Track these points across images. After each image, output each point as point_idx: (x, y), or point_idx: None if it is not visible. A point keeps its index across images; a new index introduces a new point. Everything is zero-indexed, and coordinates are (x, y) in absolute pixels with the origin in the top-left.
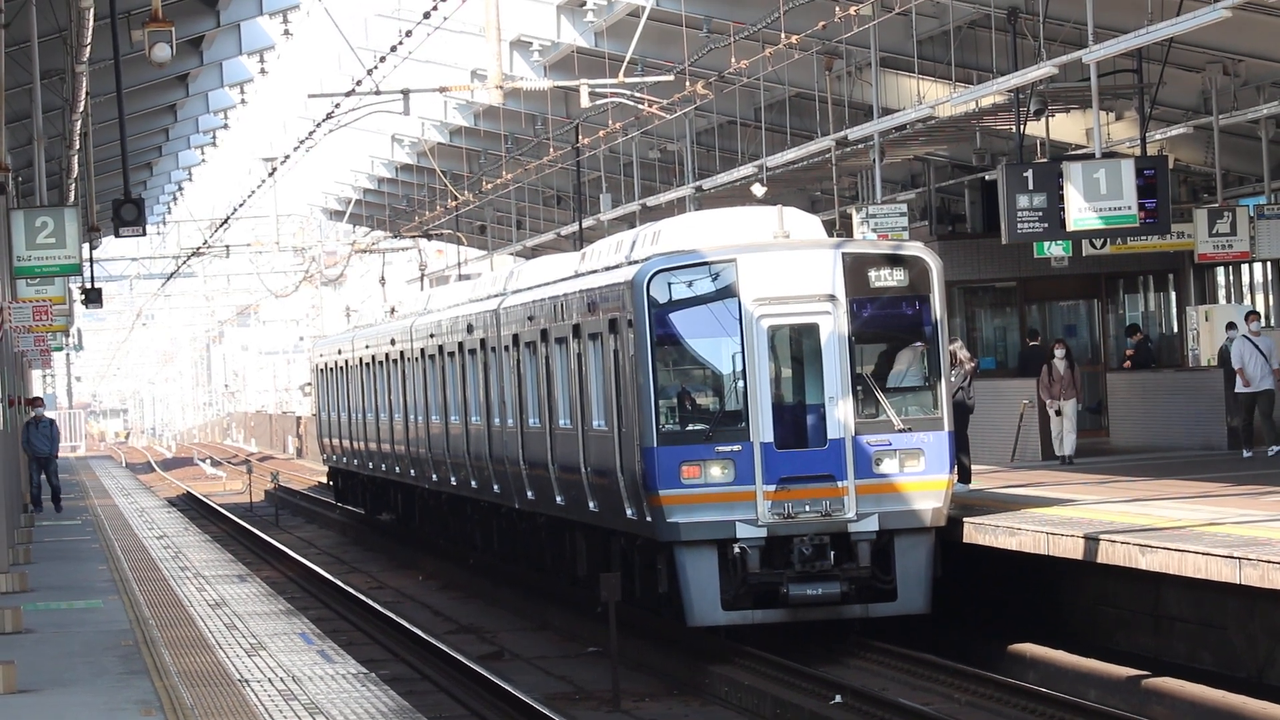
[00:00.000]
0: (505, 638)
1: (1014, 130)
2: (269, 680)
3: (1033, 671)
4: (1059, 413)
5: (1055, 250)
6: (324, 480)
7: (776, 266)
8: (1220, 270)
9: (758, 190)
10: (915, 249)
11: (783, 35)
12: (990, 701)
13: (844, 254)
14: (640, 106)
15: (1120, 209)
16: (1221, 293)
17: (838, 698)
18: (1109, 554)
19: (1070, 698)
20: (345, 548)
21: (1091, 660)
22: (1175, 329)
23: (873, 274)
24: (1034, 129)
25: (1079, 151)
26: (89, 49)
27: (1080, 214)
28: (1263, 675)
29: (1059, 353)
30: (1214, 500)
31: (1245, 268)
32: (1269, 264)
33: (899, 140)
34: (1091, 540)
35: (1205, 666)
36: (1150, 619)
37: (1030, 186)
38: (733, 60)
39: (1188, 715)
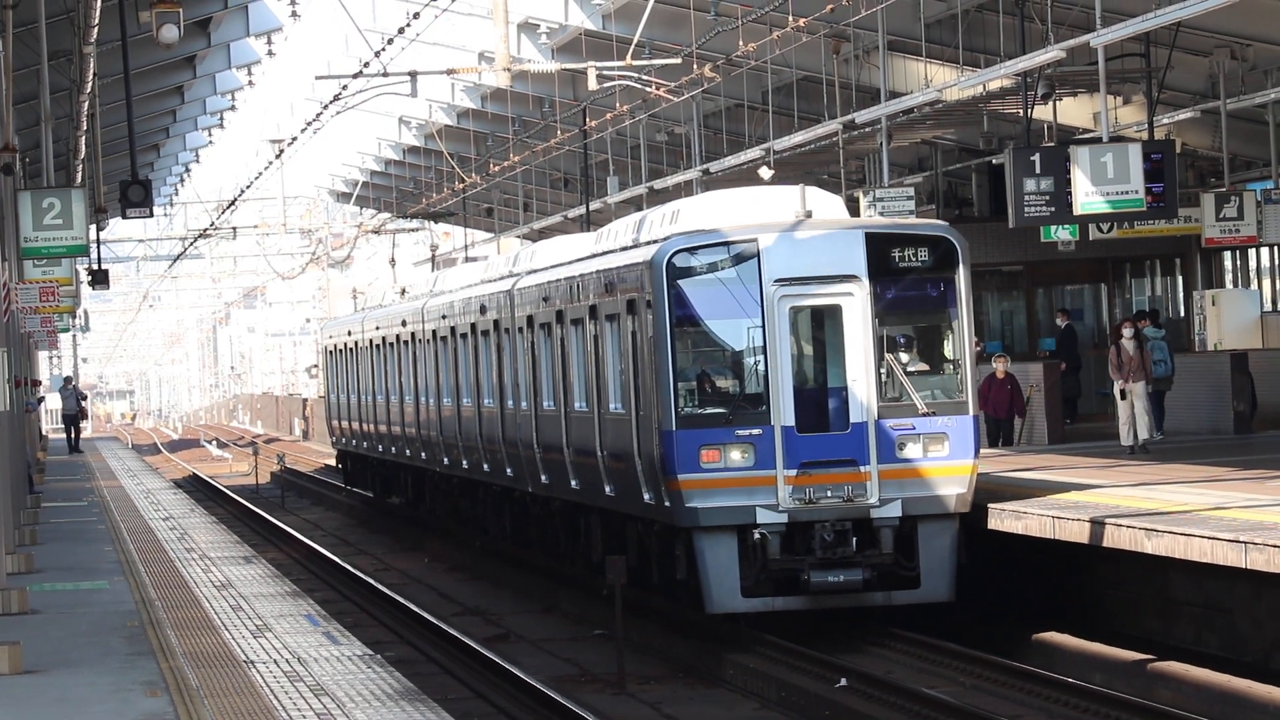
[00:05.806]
0: (511, 620)
1: (1021, 114)
2: (274, 661)
3: (1038, 655)
4: (1123, 396)
5: (1062, 234)
6: (330, 463)
7: (799, 246)
8: (1227, 255)
9: (765, 173)
10: (940, 228)
11: (790, 18)
12: (995, 685)
13: (867, 234)
14: (648, 89)
15: (1127, 193)
16: (1229, 277)
17: (843, 681)
18: (1115, 538)
19: (1075, 681)
20: (351, 530)
21: (1097, 644)
22: (1182, 313)
23: (896, 254)
24: (1041, 113)
25: (1086, 135)
26: (96, 30)
27: (1087, 198)
28: (1268, 659)
29: (1127, 332)
30: (1220, 485)
31: (1252, 252)
32: (1276, 248)
33: (906, 124)
34: (1098, 524)
35: (1211, 650)
36: (1156, 603)
37: (1037, 170)
38: (740, 43)
39: (1193, 699)
